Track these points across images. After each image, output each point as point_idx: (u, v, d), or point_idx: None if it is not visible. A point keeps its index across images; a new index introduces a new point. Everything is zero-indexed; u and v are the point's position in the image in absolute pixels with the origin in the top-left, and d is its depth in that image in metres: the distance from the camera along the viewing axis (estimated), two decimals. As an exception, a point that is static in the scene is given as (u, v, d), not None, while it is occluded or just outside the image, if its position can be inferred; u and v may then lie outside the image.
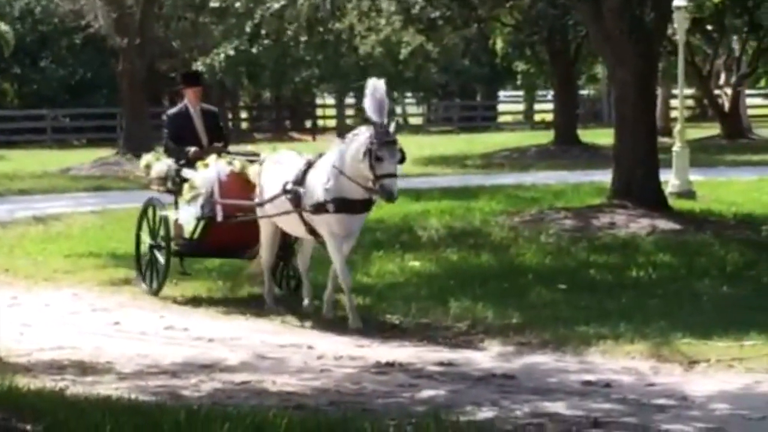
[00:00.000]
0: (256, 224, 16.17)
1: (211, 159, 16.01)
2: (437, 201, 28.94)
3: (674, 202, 25.87)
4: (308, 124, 71.53)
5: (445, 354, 14.19)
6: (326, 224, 15.04)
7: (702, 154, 40.66)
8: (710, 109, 56.25)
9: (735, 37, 51.21)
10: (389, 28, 41.57)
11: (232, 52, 49.03)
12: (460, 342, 14.82)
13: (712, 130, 53.23)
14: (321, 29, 44.87)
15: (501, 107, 75.10)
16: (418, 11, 39.18)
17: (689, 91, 45.19)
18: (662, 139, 30.58)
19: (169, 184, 16.40)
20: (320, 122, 72.17)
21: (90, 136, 54.96)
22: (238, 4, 36.40)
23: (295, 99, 72.57)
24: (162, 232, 16.60)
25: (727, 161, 41.62)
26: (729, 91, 54.52)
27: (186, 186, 15.93)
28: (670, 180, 28.78)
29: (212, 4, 43.27)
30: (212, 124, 17.05)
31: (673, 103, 41.25)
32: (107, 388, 12.23)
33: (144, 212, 17.52)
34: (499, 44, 50.63)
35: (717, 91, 55.61)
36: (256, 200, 15.99)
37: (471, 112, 70.47)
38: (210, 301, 17.95)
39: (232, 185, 15.86)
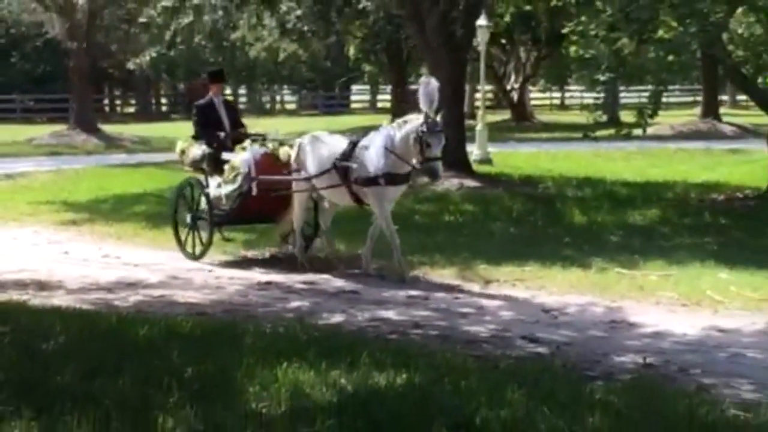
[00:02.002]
0: (283, 196, 14.77)
1: (247, 143, 14.89)
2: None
3: (476, 167, 25.98)
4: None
5: (309, 276, 14.16)
6: (376, 194, 13.66)
7: (497, 132, 41.01)
8: (504, 100, 56.71)
9: (522, 48, 51.53)
10: (271, 38, 41.36)
11: (155, 54, 48.48)
12: (320, 267, 14.78)
13: (505, 115, 53.67)
14: (220, 38, 44.81)
15: (353, 97, 74.91)
16: (292, 26, 39.03)
17: (489, 87, 45.45)
18: (469, 122, 30.69)
19: (204, 165, 15.09)
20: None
21: (49, 115, 54.28)
22: (159, 19, 35.84)
23: (202, 89, 72.05)
24: (204, 206, 15.17)
25: (515, 138, 41.92)
26: (517, 87, 55.17)
27: (227, 167, 14.71)
28: (473, 150, 28.95)
29: (140, 19, 42.79)
30: (232, 113, 15.79)
31: (477, 96, 41.43)
32: (59, 300, 12.07)
33: (180, 192, 15.85)
34: (352, 51, 50.49)
35: (508, 88, 56.19)
36: (302, 174, 14.50)
37: (331, 101, 70.19)
38: (136, 237, 17.82)
39: (264, 164, 14.66)
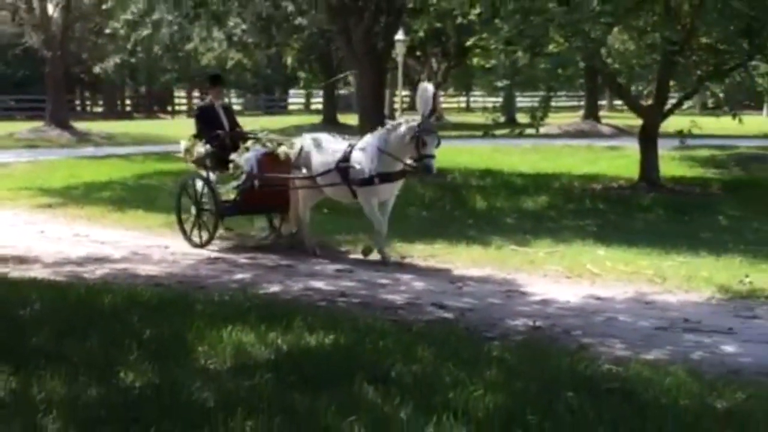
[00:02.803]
0: (281, 190, 14.03)
1: (249, 143, 14.24)
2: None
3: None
4: (168, 108, 70.61)
5: (252, 251, 14.11)
6: (366, 192, 13.05)
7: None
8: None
9: (433, 59, 51.55)
10: (220, 49, 41.03)
11: (119, 61, 47.88)
12: (261, 244, 14.73)
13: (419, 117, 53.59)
14: (176, 48, 44.39)
15: (291, 100, 74.53)
16: (238, 38, 38.77)
17: (405, 92, 45.47)
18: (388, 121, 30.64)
19: (207, 162, 14.33)
20: (176, 107, 71.26)
21: (28, 113, 53.36)
22: (122, 31, 35.50)
23: (160, 92, 71.44)
24: (209, 199, 14.30)
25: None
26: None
27: (232, 165, 14.03)
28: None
29: (106, 31, 42.34)
30: (230, 115, 14.98)
31: (396, 99, 41.41)
32: (35, 272, 11.87)
33: (183, 188, 14.97)
34: (289, 60, 50.24)
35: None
36: (305, 173, 13.76)
37: (272, 103, 69.83)
38: (103, 219, 17.65)
39: (265, 163, 13.99)
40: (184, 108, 69.55)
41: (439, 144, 12.67)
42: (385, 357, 7.42)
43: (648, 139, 22.96)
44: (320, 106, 56.87)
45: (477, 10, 20.68)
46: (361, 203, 13.33)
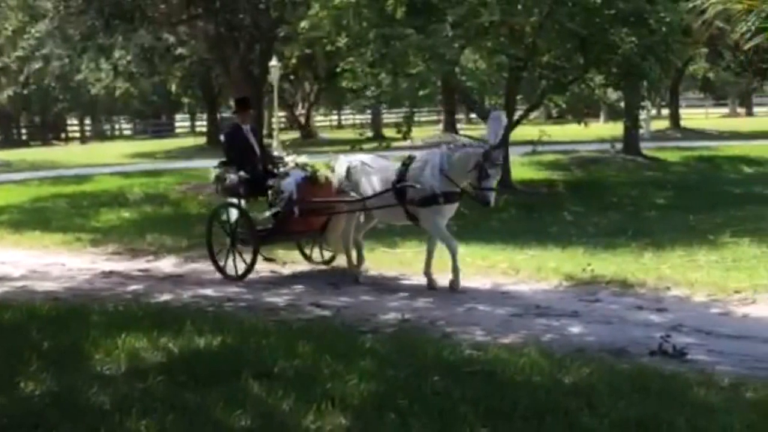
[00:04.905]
0: (319, 216, 12.43)
1: (289, 167, 12.53)
2: (139, 177, 28.27)
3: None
4: (62, 135, 68.96)
5: (143, 264, 13.90)
6: (432, 212, 11.18)
7: (289, 148, 40.69)
8: (294, 123, 56.58)
9: (306, 82, 51.58)
10: (108, 79, 40.40)
11: (12, 93, 46.68)
12: (152, 258, 14.52)
13: (295, 135, 53.39)
14: (67, 79, 43.60)
15: (177, 124, 73.42)
16: (123, 68, 38.15)
17: (282, 113, 45.42)
18: (267, 140, 30.57)
19: (241, 190, 12.45)
20: (69, 135, 69.64)
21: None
22: (14, 65, 34.69)
23: (54, 121, 69.69)
24: (245, 228, 12.40)
25: (306, 152, 41.85)
26: (304, 112, 55.20)
27: (271, 191, 12.23)
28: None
29: (-1, 65, 41.38)
30: (258, 138, 13.09)
31: (273, 120, 41.27)
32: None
33: (215, 217, 12.94)
34: (173, 87, 49.70)
35: (297, 113, 56.16)
36: (353, 196, 12.01)
37: (159, 127, 68.67)
38: (2, 240, 17.17)
39: (305, 187, 12.23)
40: (77, 135, 68.07)
41: (500, 176, 11.36)
42: (268, 354, 7.39)
43: (500, 146, 23.31)
44: (205, 129, 56.20)
45: (343, 38, 20.79)
46: (423, 224, 11.55)
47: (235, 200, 12.67)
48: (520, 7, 19.78)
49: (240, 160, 12.49)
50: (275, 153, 13.05)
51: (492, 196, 10.77)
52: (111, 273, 13.19)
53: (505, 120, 11.44)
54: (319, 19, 20.36)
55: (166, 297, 11.13)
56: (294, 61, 36.48)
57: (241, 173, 12.39)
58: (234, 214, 12.60)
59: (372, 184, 11.81)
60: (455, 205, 11.43)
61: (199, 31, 27.09)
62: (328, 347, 7.60)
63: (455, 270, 11.11)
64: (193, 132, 65.98)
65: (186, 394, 6.39)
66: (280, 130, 35.45)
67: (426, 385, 6.52)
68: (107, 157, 39.56)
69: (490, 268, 12.26)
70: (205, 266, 13.32)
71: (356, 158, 12.30)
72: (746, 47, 12.25)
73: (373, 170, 11.90)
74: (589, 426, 5.75)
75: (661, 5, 19.55)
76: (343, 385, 6.51)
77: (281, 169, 12.56)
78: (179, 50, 36.21)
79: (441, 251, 11.37)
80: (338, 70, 22.76)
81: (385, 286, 11.56)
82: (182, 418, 5.91)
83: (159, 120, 70.32)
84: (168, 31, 31.39)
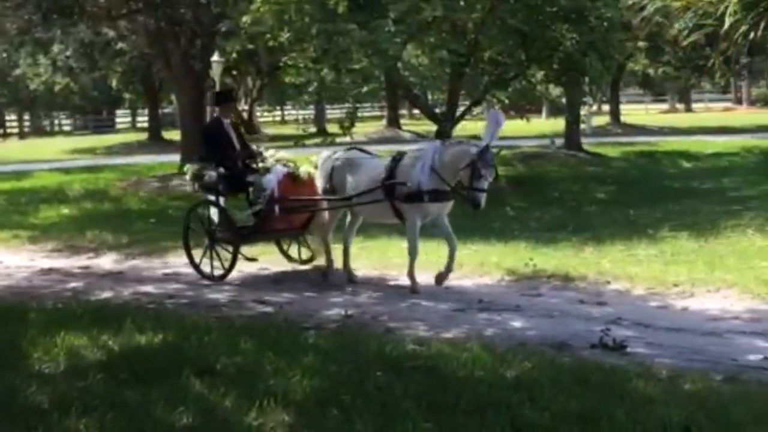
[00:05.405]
0: (300, 213, 11.96)
1: (269, 163, 12.00)
2: (79, 174, 27.93)
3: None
4: (0, 131, 67.90)
5: (83, 261, 13.75)
6: (414, 209, 10.84)
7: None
8: (236, 118, 56.06)
9: (248, 77, 51.29)
10: (47, 74, 39.87)
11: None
12: (92, 255, 14.35)
13: (238, 130, 53.32)
14: (4, 74, 43.02)
15: (118, 119, 72.57)
16: (62, 63, 37.67)
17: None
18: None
19: (220, 187, 11.87)
20: (8, 130, 68.54)
21: None
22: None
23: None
24: (226, 227, 11.87)
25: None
26: (247, 108, 54.89)
27: (252, 188, 11.75)
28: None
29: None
30: (237, 133, 12.37)
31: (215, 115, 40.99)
32: None
33: (190, 216, 12.33)
34: (114, 82, 49.16)
35: (240, 108, 55.78)
36: (337, 194, 11.59)
37: (100, 123, 67.85)
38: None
39: (287, 184, 11.73)
40: (15, 131, 66.99)
41: (496, 177, 10.97)
42: (210, 351, 7.35)
43: (443, 142, 23.41)
44: (146, 124, 55.63)
45: (286, 33, 20.70)
46: (406, 220, 11.12)
47: (213, 197, 12.12)
48: (462, 3, 19.87)
49: (219, 156, 11.93)
50: (254, 147, 12.63)
51: (483, 198, 10.41)
52: (50, 270, 13.03)
53: (503, 120, 11.01)
54: (261, 14, 20.22)
55: (106, 294, 11.02)
56: (236, 56, 36.25)
57: (221, 170, 11.87)
58: (213, 212, 12.08)
59: (358, 181, 11.37)
60: (444, 205, 11.02)
61: (140, 25, 26.79)
62: (271, 344, 7.58)
63: (411, 274, 10.94)
64: (134, 127, 65.37)
65: (126, 392, 6.34)
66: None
67: (369, 380, 6.53)
68: (46, 153, 39.01)
69: (433, 263, 12.26)
70: (146, 263, 13.23)
71: (343, 155, 11.80)
72: (684, 43, 12.43)
73: (359, 167, 11.48)
74: (530, 419, 5.79)
75: (602, 1, 19.77)
76: (286, 381, 6.50)
77: (260, 165, 12.10)
78: (120, 45, 35.76)
79: (439, 251, 11.33)
80: (281, 65, 22.67)
81: (327, 282, 11.53)
82: (122, 416, 5.87)
83: (99, 116, 69.45)
84: (108, 26, 30.98)
